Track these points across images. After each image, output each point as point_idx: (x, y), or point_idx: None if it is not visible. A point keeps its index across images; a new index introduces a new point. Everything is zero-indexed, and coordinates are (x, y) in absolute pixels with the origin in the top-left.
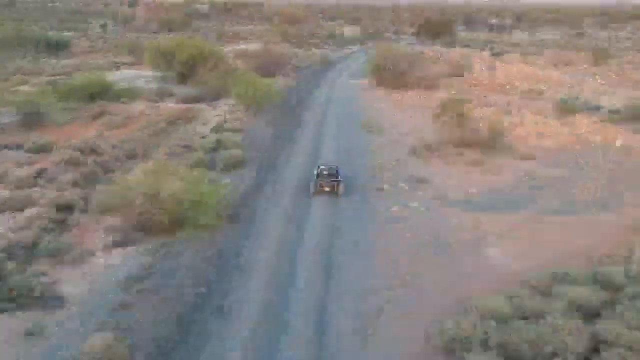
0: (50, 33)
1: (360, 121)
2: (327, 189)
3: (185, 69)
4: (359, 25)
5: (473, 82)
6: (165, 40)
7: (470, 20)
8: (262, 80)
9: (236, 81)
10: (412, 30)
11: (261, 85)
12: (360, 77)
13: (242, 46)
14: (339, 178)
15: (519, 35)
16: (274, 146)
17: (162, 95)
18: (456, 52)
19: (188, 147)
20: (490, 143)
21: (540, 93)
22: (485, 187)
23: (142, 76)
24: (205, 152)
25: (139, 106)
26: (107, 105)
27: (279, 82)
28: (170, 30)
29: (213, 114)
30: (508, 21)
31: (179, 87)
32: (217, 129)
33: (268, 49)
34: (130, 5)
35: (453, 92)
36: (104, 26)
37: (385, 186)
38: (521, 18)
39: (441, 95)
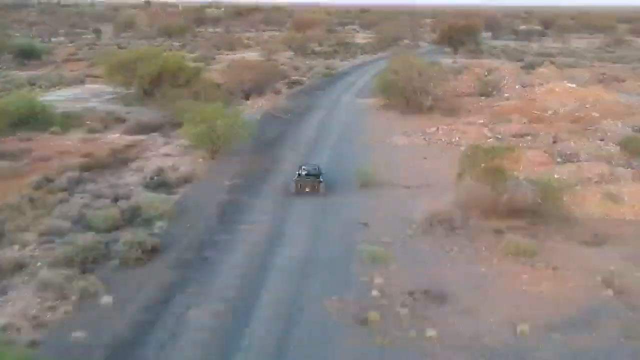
0: (25, 40)
1: (356, 165)
2: (307, 189)
3: (149, 87)
4: (374, 31)
5: (505, 106)
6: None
7: (495, 26)
8: (226, 113)
9: (191, 115)
10: (434, 36)
11: (225, 119)
12: (369, 95)
13: (241, 55)
14: (320, 178)
15: (549, 43)
16: (222, 216)
17: (110, 121)
18: (483, 64)
19: (82, 221)
20: (540, 212)
21: (594, 123)
22: (542, 314)
23: (103, 93)
24: (105, 229)
25: (71, 139)
26: (28, 138)
27: (263, 105)
28: (169, 36)
29: (162, 151)
30: (536, 27)
31: (140, 108)
32: (151, 181)
33: (255, 62)
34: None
35: (481, 120)
36: (97, 32)
37: (373, 314)
38: (549, 24)
39: (466, 124)
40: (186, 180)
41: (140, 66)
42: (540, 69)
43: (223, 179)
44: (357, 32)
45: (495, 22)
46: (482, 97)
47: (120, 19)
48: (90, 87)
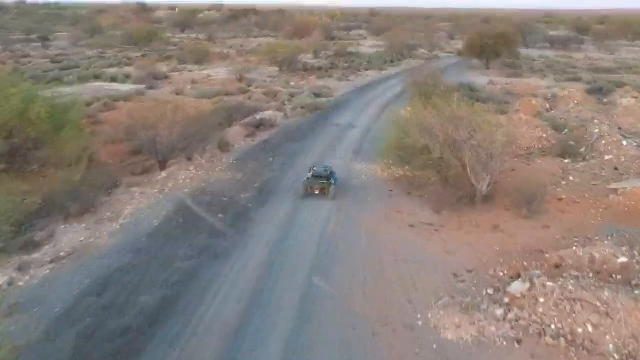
0: None
1: None
2: (316, 191)
3: None
4: (384, 38)
5: (631, 195)
6: None
7: (527, 32)
8: None
9: None
10: (452, 42)
11: None
12: (373, 154)
13: (207, 72)
14: (331, 180)
15: (593, 53)
16: None
17: None
18: (531, 86)
19: None
20: None
21: None
22: None
23: None
24: None
25: None
26: None
27: (189, 180)
28: (135, 43)
29: None
30: (569, 33)
31: None
32: None
33: (178, 105)
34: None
35: (622, 258)
36: (44, 39)
37: None
38: (584, 29)
39: (590, 265)
40: None
41: None
42: (624, 100)
43: None
44: (364, 38)
45: (527, 28)
46: (566, 160)
47: (86, 22)
48: None
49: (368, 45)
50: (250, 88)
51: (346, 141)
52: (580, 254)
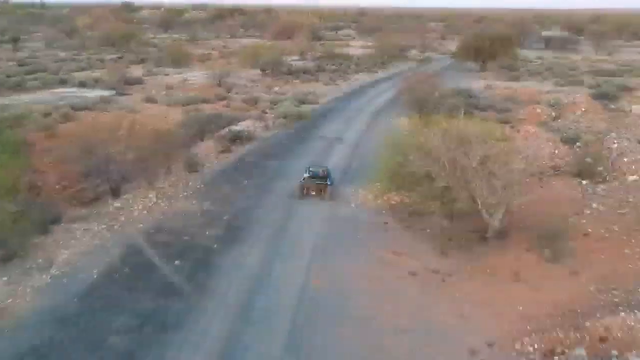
0: None
1: None
2: (313, 192)
3: None
4: (373, 38)
5: None
6: None
7: (524, 33)
8: None
9: None
10: (444, 43)
11: None
12: (364, 176)
13: (183, 77)
14: (328, 182)
15: (591, 54)
16: None
17: None
18: (532, 91)
19: None
20: None
21: None
22: None
23: None
24: None
25: None
26: None
27: (146, 211)
28: (112, 45)
29: None
30: (562, 33)
31: None
32: None
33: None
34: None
35: None
36: (15, 41)
37: None
38: (579, 30)
39: None
40: None
41: None
42: (634, 107)
43: None
44: (353, 38)
45: (524, 28)
46: (584, 181)
47: (65, 23)
48: None
49: (357, 46)
50: (229, 94)
51: (333, 159)
52: (631, 323)
